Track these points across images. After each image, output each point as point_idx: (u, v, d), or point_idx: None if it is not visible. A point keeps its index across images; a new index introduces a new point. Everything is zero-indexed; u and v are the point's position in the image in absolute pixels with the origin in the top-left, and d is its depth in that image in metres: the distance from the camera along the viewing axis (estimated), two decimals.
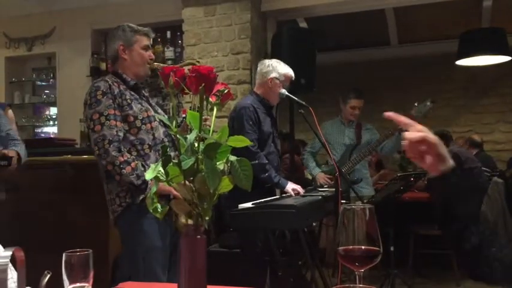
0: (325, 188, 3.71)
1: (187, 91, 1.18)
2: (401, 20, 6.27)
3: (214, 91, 1.18)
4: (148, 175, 1.14)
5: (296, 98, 3.12)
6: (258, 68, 3.36)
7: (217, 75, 1.18)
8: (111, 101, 2.27)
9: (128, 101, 2.32)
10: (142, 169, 2.23)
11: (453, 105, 7.18)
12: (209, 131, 1.16)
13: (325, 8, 4.96)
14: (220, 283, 1.38)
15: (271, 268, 3.17)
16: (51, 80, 6.00)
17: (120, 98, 2.31)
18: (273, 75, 3.24)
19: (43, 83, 6.17)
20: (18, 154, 2.88)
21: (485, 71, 6.31)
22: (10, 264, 1.12)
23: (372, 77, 7.21)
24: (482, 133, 6.65)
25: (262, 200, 2.75)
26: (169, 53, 5.09)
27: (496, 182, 4.72)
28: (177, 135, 1.12)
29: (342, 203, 2.52)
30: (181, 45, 5.13)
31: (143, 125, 2.31)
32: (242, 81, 4.65)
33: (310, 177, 4.48)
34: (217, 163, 1.11)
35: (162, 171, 1.12)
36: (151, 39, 2.55)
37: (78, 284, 1.05)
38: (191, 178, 1.10)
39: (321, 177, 4.16)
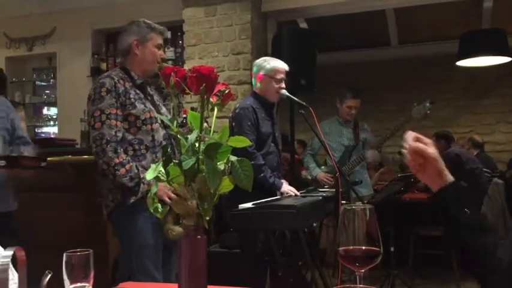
0: (326, 188, 3.71)
1: (188, 91, 1.18)
2: (401, 20, 6.27)
3: (215, 91, 1.18)
4: (149, 175, 1.14)
5: (296, 99, 3.12)
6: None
7: (218, 76, 1.18)
8: (114, 100, 2.26)
9: (132, 100, 2.31)
10: (137, 171, 2.23)
11: (453, 105, 7.18)
12: (210, 131, 1.16)
13: (326, 9, 4.96)
14: (220, 283, 1.38)
15: (272, 268, 3.17)
16: (52, 80, 6.01)
17: (124, 96, 2.30)
18: (261, 73, 3.25)
19: (43, 83, 6.17)
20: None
21: (486, 72, 6.31)
22: (11, 265, 1.12)
23: (372, 77, 7.21)
24: (483, 134, 6.66)
25: (263, 200, 2.75)
26: (169, 53, 5.10)
27: (496, 183, 4.72)
28: (178, 136, 1.12)
29: (342, 204, 2.53)
30: (181, 46, 5.13)
31: (144, 126, 2.31)
32: (242, 82, 4.66)
33: (309, 177, 4.47)
34: (218, 163, 1.11)
35: (163, 171, 1.12)
36: (165, 39, 2.56)
37: (78, 284, 1.05)
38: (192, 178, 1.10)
39: (322, 176, 4.16)
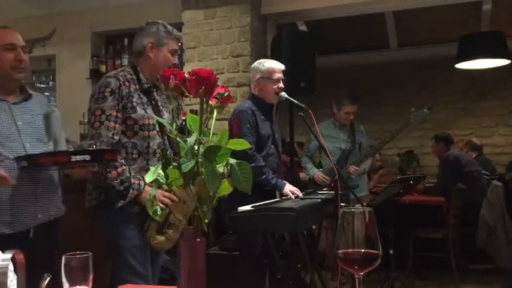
0: (324, 190, 3.71)
1: (187, 94, 1.18)
2: (401, 23, 6.28)
3: (214, 94, 1.18)
4: (148, 178, 1.14)
5: (295, 101, 3.13)
6: None
7: (218, 78, 1.18)
8: (116, 101, 2.25)
9: (134, 103, 2.29)
10: (128, 175, 2.22)
11: (452, 108, 7.19)
12: (209, 133, 1.16)
13: (325, 11, 4.96)
14: (219, 286, 1.38)
15: (271, 271, 3.17)
16: (51, 82, 6.00)
17: (126, 99, 2.28)
18: (257, 76, 3.26)
19: (43, 85, 6.16)
20: None
21: (485, 74, 6.32)
22: (11, 267, 1.12)
23: (372, 80, 7.22)
24: (482, 136, 6.66)
25: (262, 202, 2.75)
26: None
27: (495, 186, 4.73)
28: (177, 139, 1.12)
29: (341, 206, 2.53)
30: (181, 48, 5.13)
31: (141, 131, 2.29)
32: (242, 84, 4.66)
33: (307, 178, 4.48)
34: (217, 166, 1.12)
35: (162, 174, 1.12)
36: (180, 44, 2.56)
37: (77, 287, 1.05)
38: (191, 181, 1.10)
39: (319, 175, 4.17)
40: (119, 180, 2.19)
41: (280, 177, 3.38)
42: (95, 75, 5.27)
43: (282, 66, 3.27)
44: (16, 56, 2.14)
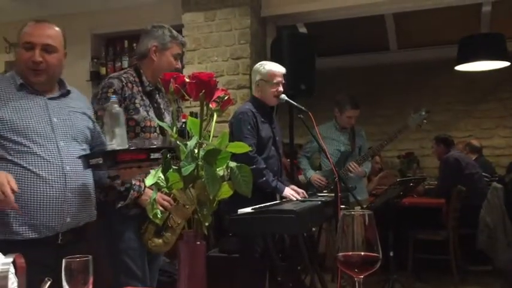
0: (325, 193, 3.71)
1: (187, 97, 1.19)
2: (400, 25, 6.28)
3: (214, 97, 1.18)
4: (149, 181, 1.14)
5: (295, 103, 3.13)
6: None
7: (218, 82, 1.18)
8: (119, 102, 2.26)
9: (137, 105, 2.31)
10: None
11: (453, 110, 7.19)
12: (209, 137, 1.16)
13: (325, 14, 4.97)
14: None
15: (271, 273, 3.16)
16: None
17: (129, 101, 2.29)
18: (257, 78, 3.26)
19: None
20: None
21: (485, 76, 6.32)
22: (12, 270, 1.12)
23: (372, 82, 7.22)
24: (482, 138, 6.66)
25: (262, 205, 2.75)
26: None
27: (495, 188, 4.73)
28: (177, 142, 1.12)
29: (341, 208, 2.53)
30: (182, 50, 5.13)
31: (142, 133, 2.30)
32: (242, 86, 4.66)
33: (305, 180, 4.48)
34: (217, 169, 1.12)
35: (162, 177, 1.12)
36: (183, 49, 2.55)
37: None
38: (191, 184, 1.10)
39: (315, 177, 4.17)
40: (119, 181, 2.18)
41: (284, 179, 3.38)
42: (95, 77, 5.27)
43: (282, 70, 3.28)
44: (30, 56, 1.91)
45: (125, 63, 5.15)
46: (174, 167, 1.12)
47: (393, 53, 7.00)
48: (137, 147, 1.87)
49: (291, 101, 3.17)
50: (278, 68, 3.27)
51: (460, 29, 5.72)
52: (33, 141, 1.86)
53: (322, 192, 3.86)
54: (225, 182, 1.14)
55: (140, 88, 2.38)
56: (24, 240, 1.80)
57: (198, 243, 1.14)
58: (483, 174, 5.30)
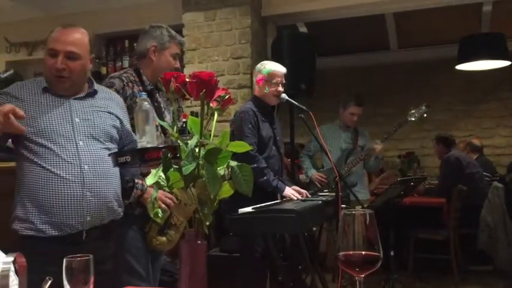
0: (325, 192, 3.72)
1: (188, 97, 1.19)
2: (401, 25, 6.28)
3: (215, 97, 1.18)
4: (149, 180, 1.14)
5: (296, 103, 3.13)
6: None
7: (218, 81, 1.18)
8: None
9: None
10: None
11: (453, 109, 7.18)
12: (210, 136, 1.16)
13: (325, 13, 4.97)
14: (220, 287, 1.38)
15: (272, 272, 3.16)
16: None
17: (130, 100, 2.31)
18: (259, 77, 3.27)
19: None
20: None
21: (485, 76, 6.31)
22: (13, 269, 1.12)
23: (372, 81, 7.21)
24: (482, 137, 6.65)
25: (263, 204, 2.75)
26: None
27: (496, 187, 4.72)
28: (178, 141, 1.12)
29: (342, 207, 2.53)
30: (181, 51, 5.13)
31: None
32: (242, 86, 4.66)
33: (307, 180, 4.48)
34: (218, 168, 1.12)
35: (163, 176, 1.12)
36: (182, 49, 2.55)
37: None
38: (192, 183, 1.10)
39: (316, 176, 4.18)
40: (124, 180, 2.19)
41: (284, 179, 3.38)
42: (96, 77, 5.27)
43: (283, 70, 3.28)
44: (54, 63, 1.92)
45: (126, 63, 5.15)
46: (174, 166, 1.12)
47: (393, 52, 6.99)
48: (166, 145, 1.86)
49: (291, 100, 3.18)
50: (278, 68, 3.27)
51: (460, 28, 5.71)
52: (54, 141, 1.90)
53: (323, 191, 3.86)
54: (225, 181, 1.14)
55: (141, 87, 2.40)
56: (48, 237, 1.86)
57: (199, 242, 1.14)
58: (484, 173, 5.30)
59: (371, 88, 7.08)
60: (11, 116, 1.69)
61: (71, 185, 1.88)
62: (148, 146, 1.56)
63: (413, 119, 4.15)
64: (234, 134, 3.09)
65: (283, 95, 3.20)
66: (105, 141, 2.01)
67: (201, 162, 1.10)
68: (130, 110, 2.28)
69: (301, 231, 3.00)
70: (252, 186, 1.13)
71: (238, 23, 4.70)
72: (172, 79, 1.20)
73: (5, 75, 3.67)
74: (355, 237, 1.01)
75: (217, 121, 1.22)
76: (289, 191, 3.13)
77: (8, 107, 1.71)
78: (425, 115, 4.16)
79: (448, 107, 7.13)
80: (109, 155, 1.84)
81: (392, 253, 3.75)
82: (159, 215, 1.21)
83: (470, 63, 5.42)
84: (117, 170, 2.04)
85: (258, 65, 3.34)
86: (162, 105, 2.49)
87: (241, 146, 1.18)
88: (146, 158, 1.71)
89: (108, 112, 2.08)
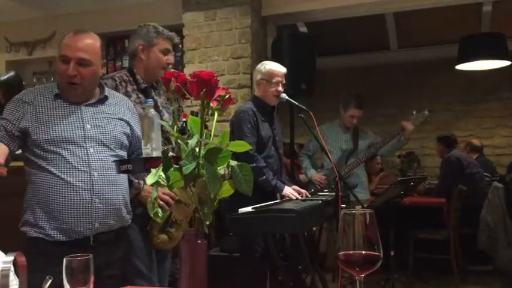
0: (325, 192, 3.72)
1: (188, 96, 1.18)
2: (401, 25, 6.28)
3: (215, 96, 1.18)
4: (149, 180, 1.14)
5: (296, 102, 3.13)
6: None
7: (219, 81, 1.18)
8: None
9: (133, 102, 2.32)
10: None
11: (453, 109, 7.19)
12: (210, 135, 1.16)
13: (325, 13, 4.97)
14: (220, 287, 1.38)
15: (272, 272, 3.16)
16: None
17: None
18: (258, 77, 3.27)
19: None
20: None
21: (485, 76, 6.31)
22: (12, 269, 1.12)
23: (372, 81, 7.22)
24: (482, 137, 6.65)
25: (263, 204, 2.75)
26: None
27: (496, 187, 4.72)
28: (178, 141, 1.12)
29: (342, 207, 2.53)
30: (181, 50, 5.14)
31: None
32: (242, 86, 4.66)
33: (306, 180, 4.49)
34: (218, 168, 1.12)
35: (163, 175, 1.12)
36: (174, 44, 2.54)
37: None
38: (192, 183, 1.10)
39: (316, 177, 4.18)
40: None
41: (284, 179, 3.38)
42: None
43: (283, 70, 3.28)
44: (66, 70, 1.92)
45: (126, 63, 5.15)
46: (175, 165, 1.12)
47: (393, 52, 7.00)
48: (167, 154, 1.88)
49: (291, 100, 3.18)
50: (278, 68, 3.27)
51: (460, 28, 5.72)
52: (65, 148, 1.90)
53: (323, 191, 3.86)
54: (225, 181, 1.14)
55: (135, 86, 2.41)
56: (57, 241, 1.86)
57: (199, 242, 1.14)
58: (484, 173, 5.30)
59: (371, 88, 7.08)
60: None
61: (80, 191, 1.88)
62: (153, 152, 1.57)
63: (416, 123, 4.16)
64: (234, 134, 3.10)
65: (283, 95, 3.20)
66: (115, 148, 2.01)
67: (201, 161, 1.10)
68: None
69: (301, 231, 3.00)
70: (252, 186, 1.13)
71: (238, 22, 4.70)
72: (172, 78, 1.20)
73: (5, 77, 3.66)
74: (355, 237, 1.01)
75: (217, 121, 1.22)
76: (288, 190, 3.13)
77: None
78: (428, 119, 4.19)
79: (448, 107, 7.13)
80: (113, 161, 1.86)
81: (392, 253, 3.75)
82: (159, 214, 1.20)
83: (470, 63, 5.41)
84: (126, 177, 2.05)
85: (258, 65, 3.34)
86: (159, 104, 2.49)
87: (241, 146, 1.18)
88: (147, 167, 1.74)
89: (118, 119, 2.07)
